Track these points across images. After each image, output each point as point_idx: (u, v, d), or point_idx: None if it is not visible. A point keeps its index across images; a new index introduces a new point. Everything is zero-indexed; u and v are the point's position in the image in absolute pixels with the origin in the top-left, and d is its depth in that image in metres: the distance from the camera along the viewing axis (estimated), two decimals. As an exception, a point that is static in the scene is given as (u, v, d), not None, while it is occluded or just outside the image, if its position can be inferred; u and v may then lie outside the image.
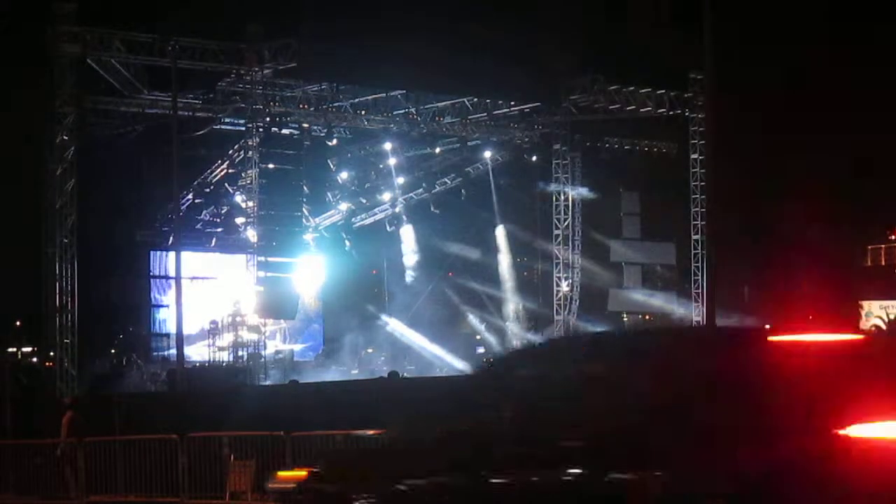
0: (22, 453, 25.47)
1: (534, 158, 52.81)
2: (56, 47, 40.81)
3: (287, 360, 48.20)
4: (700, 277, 48.89)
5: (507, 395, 9.72)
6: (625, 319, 58.10)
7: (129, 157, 45.04)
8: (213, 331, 46.93)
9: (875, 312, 57.33)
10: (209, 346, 46.75)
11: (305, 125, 47.45)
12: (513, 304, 54.39)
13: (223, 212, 49.92)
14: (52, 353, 42.22)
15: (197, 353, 46.95)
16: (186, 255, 45.96)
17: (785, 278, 50.16)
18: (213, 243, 50.46)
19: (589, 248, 53.04)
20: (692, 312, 49.52)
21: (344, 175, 52.27)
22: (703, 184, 48.50)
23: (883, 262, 58.41)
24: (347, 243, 54.08)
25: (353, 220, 54.01)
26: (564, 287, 52.10)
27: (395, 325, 54.13)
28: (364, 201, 53.53)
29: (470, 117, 49.75)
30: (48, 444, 25.29)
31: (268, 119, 45.41)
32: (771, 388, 8.44)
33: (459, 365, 49.06)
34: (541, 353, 11.12)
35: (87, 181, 41.76)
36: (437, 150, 52.07)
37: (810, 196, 46.86)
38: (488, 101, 49.27)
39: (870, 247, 58.40)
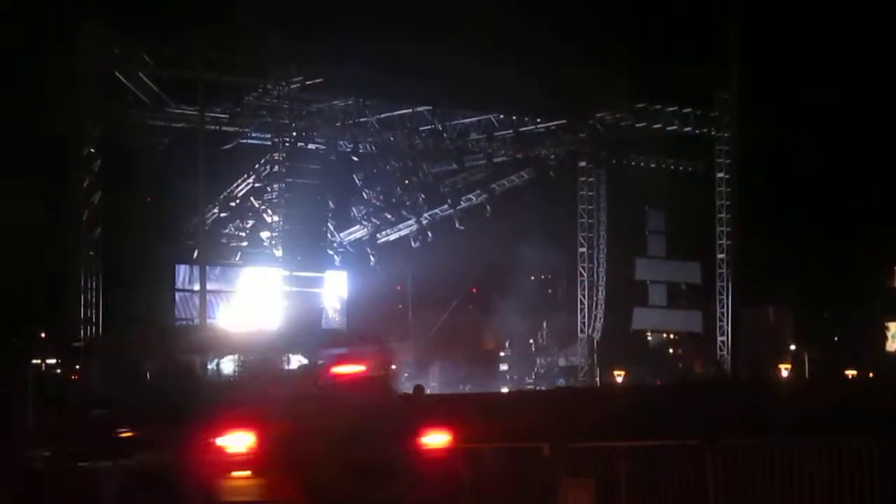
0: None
1: (559, 176, 52.57)
2: (84, 60, 40.98)
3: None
4: (725, 297, 48.73)
5: None
6: (649, 338, 57.88)
7: (156, 170, 45.05)
8: (237, 345, 46.82)
9: (902, 334, 57.03)
10: (232, 360, 46.56)
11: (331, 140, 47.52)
12: (537, 321, 54.18)
13: (248, 226, 49.84)
14: (76, 367, 42.17)
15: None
16: (211, 269, 46.00)
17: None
18: (237, 257, 50.42)
19: (614, 266, 52.82)
20: (717, 332, 49.32)
21: (369, 190, 52.23)
22: (728, 203, 48.40)
23: (909, 283, 58.11)
24: (372, 259, 53.99)
25: (377, 235, 53.91)
26: (589, 305, 51.91)
27: (418, 341, 53.94)
28: (389, 217, 53.42)
29: (496, 134, 49.66)
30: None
31: (294, 134, 45.47)
32: None
33: (484, 382, 48.93)
34: None
35: (112, 194, 41.88)
36: (463, 166, 51.86)
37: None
38: (514, 117, 49.19)
39: (896, 267, 58.13)
